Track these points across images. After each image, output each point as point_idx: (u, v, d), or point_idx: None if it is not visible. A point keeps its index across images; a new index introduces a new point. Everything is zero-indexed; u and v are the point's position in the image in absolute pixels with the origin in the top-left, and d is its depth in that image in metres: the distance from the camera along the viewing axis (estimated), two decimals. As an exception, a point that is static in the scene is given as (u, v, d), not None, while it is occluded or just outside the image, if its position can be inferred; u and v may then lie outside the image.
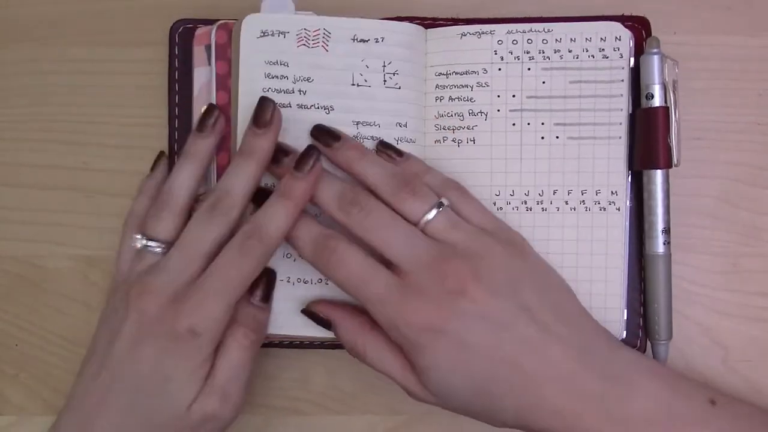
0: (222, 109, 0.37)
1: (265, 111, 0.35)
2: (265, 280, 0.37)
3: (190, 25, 0.39)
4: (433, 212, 0.34)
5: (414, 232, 0.34)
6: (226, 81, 0.38)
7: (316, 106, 0.38)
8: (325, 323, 0.37)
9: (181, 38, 0.40)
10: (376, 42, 0.38)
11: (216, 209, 0.35)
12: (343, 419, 0.41)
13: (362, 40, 0.38)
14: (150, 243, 0.36)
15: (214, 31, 0.38)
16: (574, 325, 0.34)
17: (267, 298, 0.37)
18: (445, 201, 0.35)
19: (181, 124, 0.39)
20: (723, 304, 0.40)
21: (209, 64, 0.39)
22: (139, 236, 0.36)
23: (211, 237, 0.34)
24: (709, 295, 0.40)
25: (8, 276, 0.41)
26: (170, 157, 0.40)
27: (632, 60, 0.38)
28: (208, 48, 0.39)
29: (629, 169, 0.38)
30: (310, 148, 0.35)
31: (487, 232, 0.35)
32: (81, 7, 0.42)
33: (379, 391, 0.41)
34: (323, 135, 0.37)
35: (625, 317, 0.38)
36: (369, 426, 0.41)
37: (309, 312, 0.37)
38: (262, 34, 0.37)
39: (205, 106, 0.37)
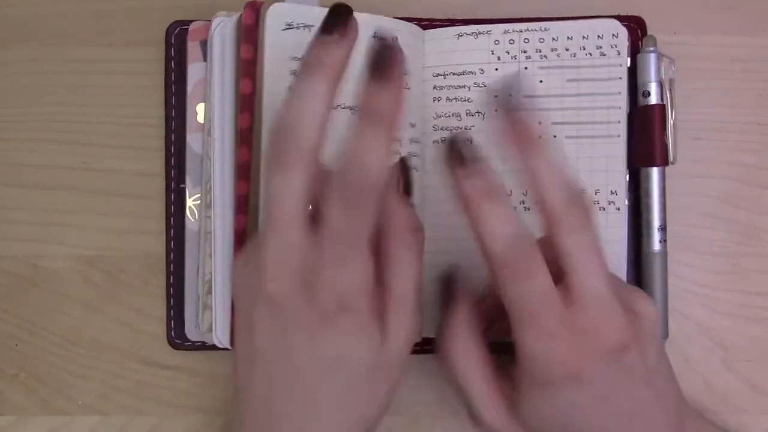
0: (247, 99, 0.36)
1: (338, 15, 0.29)
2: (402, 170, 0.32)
3: (186, 27, 0.39)
4: None
5: (606, 267, 0.30)
6: (251, 68, 0.36)
7: (342, 106, 0.36)
8: (449, 293, 0.33)
9: (177, 39, 0.40)
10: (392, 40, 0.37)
11: (285, 153, 0.28)
12: (342, 419, 0.41)
13: (381, 38, 0.37)
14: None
15: (218, 21, 0.37)
16: (673, 396, 0.33)
17: (408, 189, 0.33)
18: None
19: (177, 124, 0.39)
20: (723, 304, 0.40)
21: (204, 59, 0.38)
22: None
23: (297, 191, 0.28)
24: (709, 295, 0.40)
25: (8, 276, 0.41)
26: (166, 159, 0.40)
27: (629, 60, 0.38)
28: (203, 43, 0.38)
29: (628, 168, 0.38)
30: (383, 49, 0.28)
31: (637, 291, 0.33)
32: (81, 7, 0.42)
33: (378, 391, 0.41)
34: (507, 106, 0.30)
35: None
36: (369, 426, 0.41)
37: (450, 276, 0.34)
38: (287, 26, 0.36)
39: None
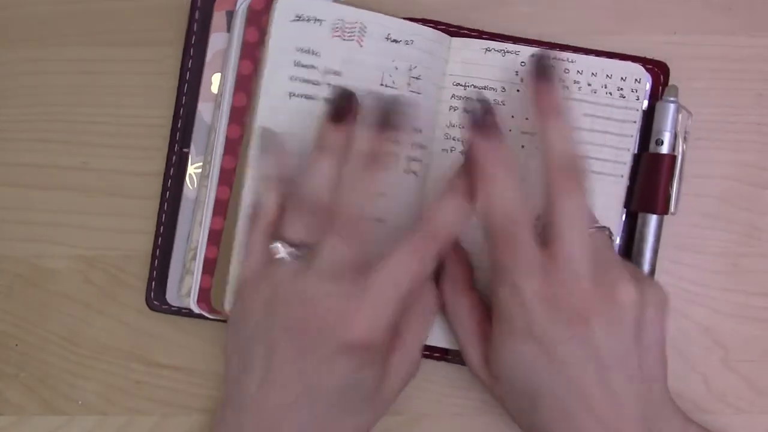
0: (244, 79, 0.36)
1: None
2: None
3: None
4: (596, 230, 0.34)
5: (587, 237, 0.33)
6: (254, 50, 0.37)
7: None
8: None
9: (202, 5, 0.39)
10: (406, 44, 0.37)
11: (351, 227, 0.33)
12: (343, 419, 0.41)
13: (394, 41, 0.37)
14: (292, 250, 0.34)
15: None
16: (651, 393, 0.33)
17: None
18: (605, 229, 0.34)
19: (189, 91, 0.39)
20: (723, 304, 0.40)
21: (227, 30, 0.38)
22: (279, 245, 0.34)
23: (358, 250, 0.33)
24: (709, 295, 0.40)
25: (8, 276, 0.41)
26: (173, 120, 0.39)
27: (646, 102, 0.39)
28: (229, 14, 0.38)
29: (625, 208, 0.39)
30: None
31: (637, 276, 0.34)
32: (81, 7, 0.42)
33: (379, 391, 0.41)
34: (543, 71, 0.34)
35: None
36: (369, 426, 0.41)
37: None
38: (296, 18, 0.36)
39: (339, 91, 0.35)
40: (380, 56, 0.37)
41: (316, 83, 0.37)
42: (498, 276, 0.33)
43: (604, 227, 0.34)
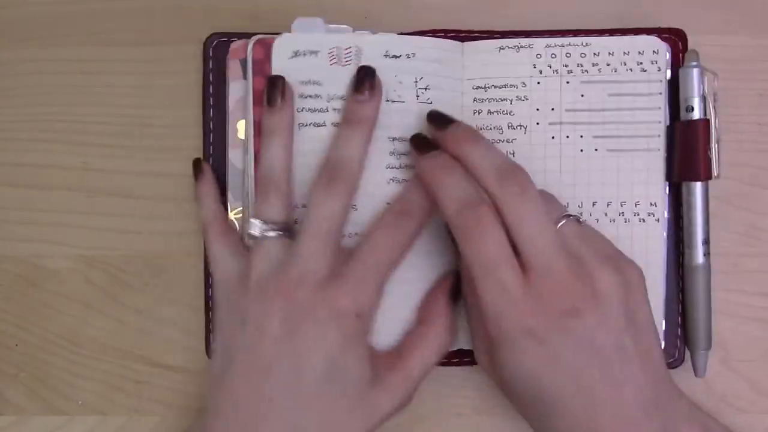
0: (260, 125, 0.37)
1: (365, 78, 0.36)
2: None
3: (225, 39, 0.39)
4: (564, 220, 0.34)
5: (554, 234, 0.33)
6: (263, 97, 0.38)
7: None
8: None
9: (215, 52, 0.39)
10: (408, 58, 0.38)
11: (335, 180, 0.35)
12: (343, 419, 0.41)
13: (394, 56, 0.38)
14: (268, 230, 0.35)
15: (250, 47, 0.38)
16: (654, 374, 0.33)
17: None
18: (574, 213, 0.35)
19: (216, 137, 0.39)
20: (723, 304, 0.40)
21: (245, 77, 0.38)
22: (257, 222, 0.35)
23: (338, 211, 0.34)
24: (709, 295, 0.40)
25: (8, 276, 0.41)
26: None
27: (669, 72, 0.39)
28: (243, 62, 0.38)
29: (667, 181, 0.38)
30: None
31: (611, 258, 0.34)
32: (81, 7, 0.42)
33: (379, 391, 0.40)
34: (436, 120, 0.36)
35: (664, 328, 0.38)
36: (369, 426, 0.41)
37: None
38: (294, 54, 0.38)
39: (268, 79, 0.37)
40: (381, 74, 0.37)
41: (323, 111, 0.38)
42: (476, 278, 0.32)
43: (571, 214, 0.34)
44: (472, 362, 0.37)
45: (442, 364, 0.37)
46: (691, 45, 0.39)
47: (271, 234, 0.35)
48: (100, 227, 0.41)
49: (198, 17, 0.41)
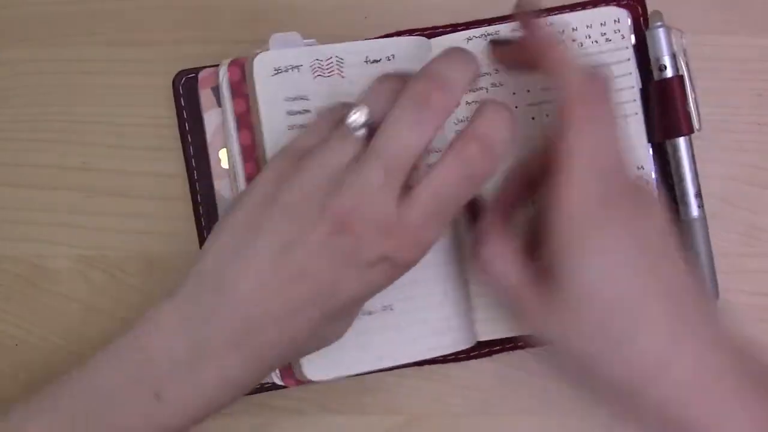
0: (248, 149, 0.37)
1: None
2: None
3: (192, 75, 0.39)
4: None
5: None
6: (247, 118, 0.37)
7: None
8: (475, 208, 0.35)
9: (185, 88, 0.39)
10: (388, 60, 0.38)
11: (428, 107, 0.29)
12: (342, 419, 0.41)
13: (374, 61, 0.37)
14: (354, 120, 0.30)
15: (225, 69, 0.38)
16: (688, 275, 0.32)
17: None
18: None
19: (200, 173, 0.39)
20: (723, 304, 0.40)
21: (219, 105, 0.38)
22: (367, 111, 0.30)
23: (422, 146, 0.29)
24: (709, 295, 0.40)
25: (8, 276, 0.41)
26: (194, 208, 0.39)
27: (633, 37, 0.39)
28: (215, 90, 0.38)
29: (649, 142, 0.39)
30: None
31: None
32: (81, 7, 0.42)
33: (378, 391, 0.41)
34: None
35: None
36: (368, 426, 0.41)
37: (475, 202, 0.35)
38: (275, 72, 0.36)
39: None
40: (365, 79, 0.37)
41: None
42: (560, 161, 0.30)
43: None
44: (491, 352, 0.38)
45: (456, 359, 0.37)
46: (691, 45, 0.39)
47: (357, 131, 0.30)
48: (100, 227, 0.41)
49: (198, 17, 0.41)
